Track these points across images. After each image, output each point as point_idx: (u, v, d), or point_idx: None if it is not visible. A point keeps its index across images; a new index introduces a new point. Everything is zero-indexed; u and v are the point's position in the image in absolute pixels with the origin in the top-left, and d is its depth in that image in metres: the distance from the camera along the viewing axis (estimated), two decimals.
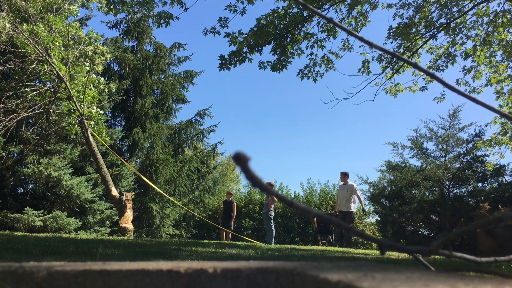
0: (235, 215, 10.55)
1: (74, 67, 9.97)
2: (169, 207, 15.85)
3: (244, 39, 6.87)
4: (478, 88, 9.73)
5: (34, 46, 9.12)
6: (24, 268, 0.65)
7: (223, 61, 7.05)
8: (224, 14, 6.97)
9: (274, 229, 9.61)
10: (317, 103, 60.24)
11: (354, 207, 9.07)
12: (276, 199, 9.63)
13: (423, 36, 8.35)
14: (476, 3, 7.80)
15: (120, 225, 8.93)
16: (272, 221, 9.58)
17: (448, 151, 14.55)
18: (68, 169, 11.65)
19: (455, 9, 8.03)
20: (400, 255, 5.66)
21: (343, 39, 8.40)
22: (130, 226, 8.98)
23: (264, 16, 6.81)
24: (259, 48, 7.01)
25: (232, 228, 10.48)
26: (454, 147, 14.49)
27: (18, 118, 9.44)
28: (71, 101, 9.59)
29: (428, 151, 14.96)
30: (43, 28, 9.30)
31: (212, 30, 6.96)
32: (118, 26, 17.67)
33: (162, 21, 6.41)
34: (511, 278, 0.53)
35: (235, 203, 10.67)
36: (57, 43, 9.49)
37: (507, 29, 8.21)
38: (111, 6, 6.07)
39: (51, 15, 9.85)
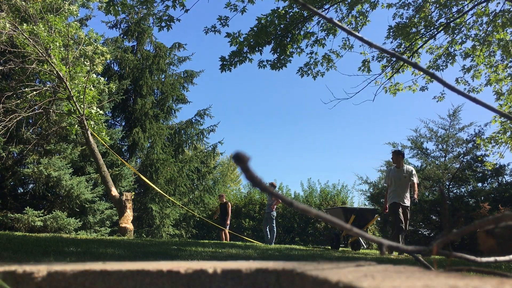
0: (223, 214, 10.89)
1: (74, 67, 9.97)
2: (169, 207, 15.85)
3: (245, 39, 6.88)
4: (477, 88, 9.74)
5: (34, 46, 9.12)
6: (24, 268, 0.65)
7: (224, 62, 7.06)
8: (225, 13, 6.97)
9: (275, 230, 9.65)
10: (317, 103, 60.23)
11: (409, 197, 6.77)
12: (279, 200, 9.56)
13: (423, 36, 8.35)
14: (476, 3, 7.80)
15: (120, 225, 8.93)
16: (274, 222, 9.62)
17: (448, 151, 14.55)
18: (68, 169, 11.65)
19: (455, 9, 8.04)
20: (400, 255, 5.67)
21: (343, 38, 8.41)
22: (130, 226, 8.99)
23: (264, 16, 6.82)
24: (260, 48, 7.02)
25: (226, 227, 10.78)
26: (454, 147, 14.49)
27: (18, 118, 9.44)
28: (71, 101, 9.59)
29: (428, 151, 14.96)
30: (43, 28, 9.30)
31: (212, 29, 6.97)
32: (118, 26, 17.67)
33: (163, 24, 6.43)
34: (511, 278, 0.53)
35: (227, 204, 11.06)
36: (57, 43, 9.49)
37: (507, 29, 8.22)
38: (111, 8, 6.07)
39: (51, 15, 9.85)
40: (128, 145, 16.31)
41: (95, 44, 10.76)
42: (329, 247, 8.32)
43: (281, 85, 55.64)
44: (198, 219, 16.24)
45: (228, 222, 10.81)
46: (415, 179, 6.67)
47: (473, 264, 0.80)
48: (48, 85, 10.11)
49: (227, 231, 10.76)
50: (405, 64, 8.48)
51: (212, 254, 3.78)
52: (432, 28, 8.19)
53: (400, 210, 6.41)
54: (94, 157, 9.87)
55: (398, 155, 6.74)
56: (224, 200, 11.13)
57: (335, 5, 7.73)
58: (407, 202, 6.48)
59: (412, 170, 6.69)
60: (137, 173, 11.59)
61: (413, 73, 9.14)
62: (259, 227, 15.48)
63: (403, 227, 6.35)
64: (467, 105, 17.69)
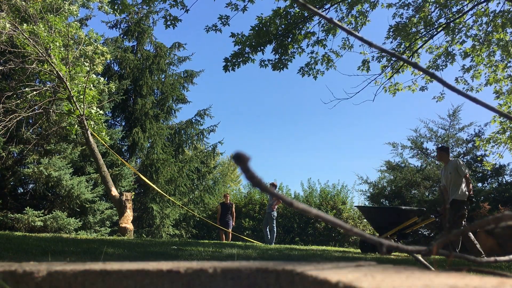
0: (219, 216, 11.03)
1: (74, 67, 9.97)
2: (169, 207, 15.85)
3: (246, 39, 6.89)
4: (477, 87, 9.74)
5: (34, 46, 9.12)
6: (24, 268, 0.65)
7: (227, 63, 7.08)
8: (225, 12, 6.99)
9: (275, 230, 9.65)
10: (317, 103, 60.23)
11: (460, 193, 5.77)
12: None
13: (423, 36, 8.35)
14: (476, 3, 7.80)
15: (120, 225, 8.93)
16: (275, 222, 9.62)
17: None
18: (68, 169, 11.65)
19: (455, 9, 8.04)
20: (400, 255, 5.67)
21: (343, 38, 8.41)
22: (130, 226, 8.99)
23: (266, 17, 6.84)
24: (261, 48, 7.03)
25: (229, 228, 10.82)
26: (454, 147, 14.50)
27: (18, 118, 9.44)
28: (71, 101, 9.59)
29: (428, 151, 14.96)
30: (43, 28, 9.30)
31: (214, 28, 6.98)
32: (118, 26, 17.67)
33: (169, 22, 6.48)
34: (511, 278, 0.53)
35: (233, 205, 11.16)
36: (57, 43, 9.49)
37: (506, 29, 8.21)
38: (115, 7, 6.08)
39: (51, 15, 9.85)
40: (128, 145, 16.31)
41: (95, 44, 10.76)
42: (359, 250, 7.34)
43: (281, 85, 55.67)
44: (198, 219, 16.24)
45: (233, 223, 10.96)
46: (463, 171, 5.75)
47: (473, 264, 0.80)
48: (48, 85, 10.11)
49: (230, 231, 10.81)
50: (405, 64, 8.48)
51: (212, 254, 3.78)
52: (432, 28, 8.19)
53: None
54: (94, 157, 9.87)
55: (440, 152, 6.07)
56: (229, 201, 11.14)
57: (335, 5, 7.73)
58: (452, 197, 5.73)
59: (455, 164, 5.82)
60: (137, 173, 11.59)
61: (413, 73, 9.14)
62: (259, 227, 15.48)
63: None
64: (467, 105, 17.70)
